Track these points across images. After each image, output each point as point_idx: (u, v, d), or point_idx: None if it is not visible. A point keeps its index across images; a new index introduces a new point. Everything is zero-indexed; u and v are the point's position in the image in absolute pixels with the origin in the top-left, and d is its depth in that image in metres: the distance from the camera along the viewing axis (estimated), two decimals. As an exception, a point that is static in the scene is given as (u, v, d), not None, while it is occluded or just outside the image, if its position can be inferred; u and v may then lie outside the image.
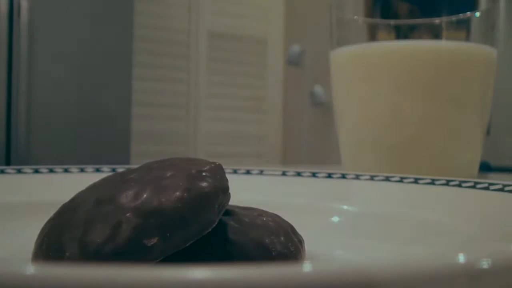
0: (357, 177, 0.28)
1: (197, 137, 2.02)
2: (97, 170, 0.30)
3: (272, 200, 0.26)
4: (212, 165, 0.17)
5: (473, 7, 0.38)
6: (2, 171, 0.28)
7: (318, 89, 1.99)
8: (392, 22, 0.38)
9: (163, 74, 1.93)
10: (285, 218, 0.20)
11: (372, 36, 0.39)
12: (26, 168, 0.28)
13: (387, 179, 0.27)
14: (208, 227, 0.16)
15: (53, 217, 0.17)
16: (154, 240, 0.14)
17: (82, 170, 0.30)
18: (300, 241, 0.19)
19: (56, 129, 1.31)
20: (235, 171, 0.30)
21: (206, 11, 2.03)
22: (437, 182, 0.25)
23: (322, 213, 0.26)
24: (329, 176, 0.29)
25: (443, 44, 0.36)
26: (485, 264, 0.08)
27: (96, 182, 0.18)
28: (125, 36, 1.41)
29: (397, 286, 0.08)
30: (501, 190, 0.22)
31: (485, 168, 1.28)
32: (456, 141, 0.36)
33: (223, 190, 0.17)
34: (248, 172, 0.30)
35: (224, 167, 0.18)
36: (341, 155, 0.41)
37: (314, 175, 0.29)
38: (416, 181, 0.26)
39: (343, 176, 0.29)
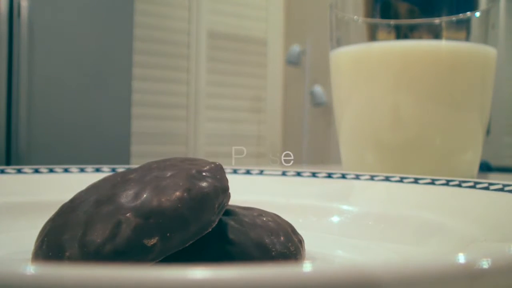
0: (357, 177, 0.28)
1: (197, 137, 2.02)
2: (97, 170, 0.30)
3: (272, 200, 0.26)
4: (212, 165, 0.17)
5: (473, 7, 0.38)
6: (2, 171, 0.28)
7: (318, 89, 1.99)
8: (392, 22, 0.38)
9: (163, 74, 1.93)
10: (285, 218, 0.20)
11: (372, 36, 0.39)
12: (26, 168, 0.28)
13: (387, 179, 0.27)
14: (208, 227, 0.16)
15: (53, 217, 0.17)
16: (154, 240, 0.14)
17: (82, 170, 0.30)
18: (300, 241, 0.19)
19: (56, 129, 1.31)
20: (235, 171, 0.30)
21: (206, 11, 2.03)
22: (437, 182, 0.25)
23: (322, 213, 0.26)
24: (329, 176, 0.29)
25: (443, 44, 0.36)
26: (485, 264, 0.08)
27: (96, 182, 0.18)
28: (125, 36, 1.41)
29: (397, 286, 0.08)
30: (501, 190, 0.22)
31: (485, 168, 1.28)
32: (456, 141, 0.36)
33: (223, 190, 0.17)
34: (248, 172, 0.30)
35: (224, 167, 0.18)
36: (341, 155, 0.41)
37: (314, 175, 0.29)
38: (416, 181, 0.26)
39: (343, 176, 0.29)
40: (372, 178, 0.28)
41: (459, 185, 0.24)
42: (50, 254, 0.15)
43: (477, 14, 0.37)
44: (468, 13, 0.37)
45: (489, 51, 0.37)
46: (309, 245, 0.20)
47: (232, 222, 0.18)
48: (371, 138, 0.37)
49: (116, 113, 1.40)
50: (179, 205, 0.15)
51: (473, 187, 0.23)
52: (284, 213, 0.21)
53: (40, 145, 1.30)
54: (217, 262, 0.17)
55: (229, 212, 0.18)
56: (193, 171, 0.17)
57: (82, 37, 1.34)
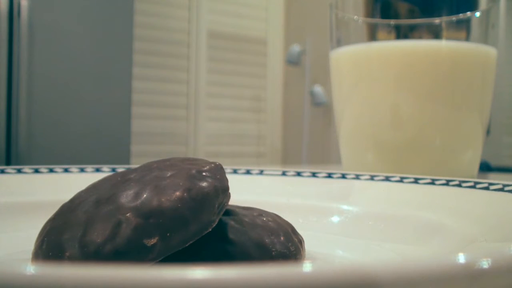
0: (357, 177, 0.28)
1: (197, 137, 2.02)
2: (97, 170, 0.30)
3: (272, 200, 0.26)
4: (212, 165, 0.17)
5: (473, 7, 0.38)
6: (2, 171, 0.28)
7: (318, 89, 1.99)
8: (392, 22, 0.38)
9: (163, 74, 1.93)
10: (285, 218, 0.20)
11: (372, 36, 0.39)
12: (26, 168, 0.28)
13: (387, 179, 0.27)
14: (208, 227, 0.16)
15: (53, 217, 0.17)
16: (154, 240, 0.14)
17: (82, 170, 0.30)
18: (300, 241, 0.19)
19: (56, 129, 1.31)
20: (235, 171, 0.30)
21: (206, 11, 2.03)
22: (437, 182, 0.25)
23: (322, 213, 0.26)
24: (329, 176, 0.29)
25: (443, 44, 0.36)
26: (485, 264, 0.08)
27: (96, 182, 0.18)
28: (125, 36, 1.41)
29: (397, 286, 0.08)
30: (501, 190, 0.22)
31: (485, 168, 1.28)
32: (456, 141, 0.36)
33: (223, 190, 0.17)
34: (248, 172, 0.30)
35: (224, 167, 0.18)
36: (341, 155, 0.41)
37: (314, 175, 0.29)
38: (416, 181, 0.26)
39: (343, 176, 0.29)
40: (372, 178, 0.28)
41: (459, 185, 0.24)
42: (50, 254, 0.15)
43: (477, 14, 0.37)
44: (468, 13, 0.37)
45: (489, 51, 0.37)
46: (309, 245, 0.20)
47: (232, 222, 0.18)
48: (371, 138, 0.37)
49: (116, 113, 1.40)
50: (179, 205, 0.15)
51: (473, 187, 0.23)
52: (284, 213, 0.21)
53: (40, 145, 1.30)
54: (217, 262, 0.17)
55: (229, 212, 0.18)
56: (193, 171, 0.17)
57: (82, 37, 1.34)
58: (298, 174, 0.30)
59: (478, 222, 0.20)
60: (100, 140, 1.37)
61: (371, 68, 0.37)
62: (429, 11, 0.39)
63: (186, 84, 1.99)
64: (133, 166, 0.21)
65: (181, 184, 0.16)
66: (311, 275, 0.07)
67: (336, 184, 0.28)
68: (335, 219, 0.25)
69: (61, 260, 0.15)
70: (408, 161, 0.36)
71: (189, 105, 2.00)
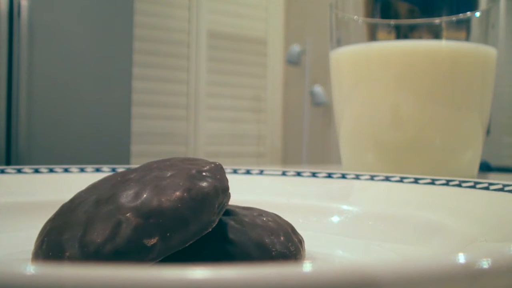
0: (357, 177, 0.28)
1: (197, 137, 2.02)
2: (97, 170, 0.30)
3: (272, 200, 0.26)
4: (212, 165, 0.17)
5: (473, 7, 0.38)
6: (2, 171, 0.28)
7: (318, 89, 1.99)
8: (392, 22, 0.38)
9: (163, 74, 1.93)
10: (285, 218, 0.20)
11: (372, 36, 0.39)
12: (26, 168, 0.28)
13: (387, 179, 0.27)
14: (208, 227, 0.16)
15: (53, 217, 0.17)
16: (154, 240, 0.14)
17: (82, 170, 0.30)
18: (300, 241, 0.19)
19: (56, 129, 1.31)
20: (235, 171, 0.30)
21: (206, 11, 2.03)
22: (437, 182, 0.25)
23: (322, 213, 0.26)
24: (329, 176, 0.29)
25: (443, 44, 0.36)
26: (485, 264, 0.08)
27: (96, 182, 0.18)
28: (125, 36, 1.41)
29: (397, 286, 0.08)
30: (501, 190, 0.22)
31: (485, 168, 1.28)
32: (456, 141, 0.36)
33: (223, 190, 0.17)
34: (248, 172, 0.30)
35: (224, 167, 0.18)
36: (341, 155, 0.41)
37: (314, 175, 0.29)
38: (416, 181, 0.26)
39: (343, 176, 0.29)
40: (372, 178, 0.28)
41: (459, 185, 0.24)
42: (50, 254, 0.15)
43: (477, 14, 0.37)
44: (468, 13, 0.37)
45: (489, 51, 0.37)
46: (309, 245, 0.20)
47: (232, 222, 0.18)
48: (371, 138, 0.37)
49: (116, 113, 1.40)
50: (179, 205, 0.15)
51: (473, 187, 0.23)
52: (284, 213, 0.21)
53: (40, 145, 1.30)
54: (217, 262, 0.17)
55: (229, 212, 0.18)
56: (193, 171, 0.17)
57: (82, 37, 1.34)
58: (298, 174, 0.30)
59: (478, 222, 0.20)
60: (100, 140, 1.37)
61: (371, 68, 0.37)
62: (429, 11, 0.39)
63: (186, 84, 1.99)
64: (133, 166, 0.21)
65: (181, 184, 0.16)
66: (311, 275, 0.07)
67: (336, 184, 0.28)
68: (335, 219, 0.25)
69: (61, 260, 0.15)
70: (408, 161, 0.36)
71: (189, 105, 2.00)
